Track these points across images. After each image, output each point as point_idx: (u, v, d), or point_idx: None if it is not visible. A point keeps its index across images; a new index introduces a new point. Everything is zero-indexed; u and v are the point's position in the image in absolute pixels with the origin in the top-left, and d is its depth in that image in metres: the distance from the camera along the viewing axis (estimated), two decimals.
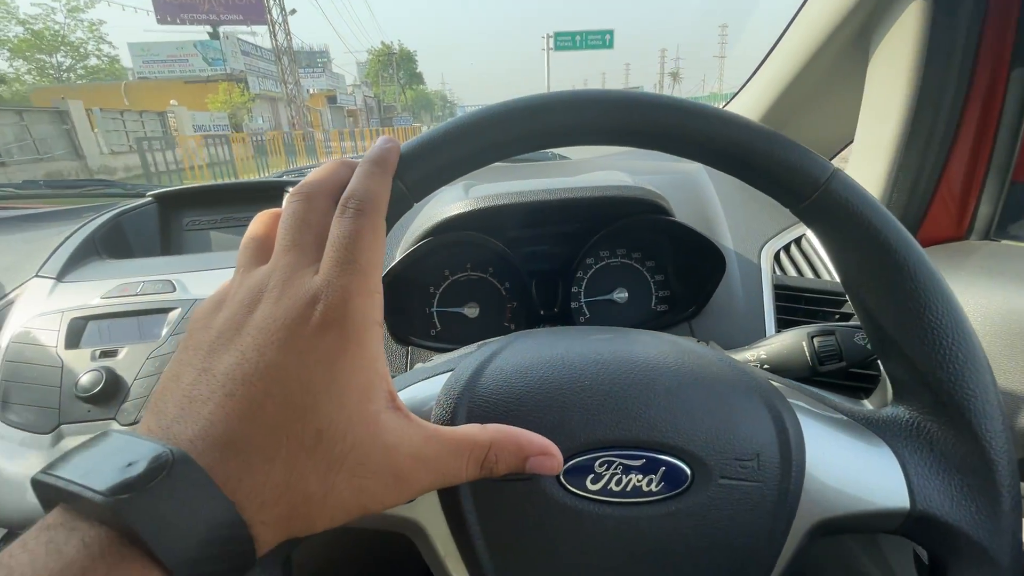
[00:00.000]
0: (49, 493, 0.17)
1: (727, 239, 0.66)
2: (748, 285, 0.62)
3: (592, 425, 0.26)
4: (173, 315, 0.59)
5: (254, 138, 14.15)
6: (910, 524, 0.26)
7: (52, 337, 0.57)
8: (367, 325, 0.21)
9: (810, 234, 0.65)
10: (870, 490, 0.26)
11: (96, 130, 12.91)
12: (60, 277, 0.64)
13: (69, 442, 0.53)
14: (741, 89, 0.80)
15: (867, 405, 0.31)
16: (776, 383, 0.30)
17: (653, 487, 0.25)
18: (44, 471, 0.17)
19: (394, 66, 50.93)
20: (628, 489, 0.25)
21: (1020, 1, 0.51)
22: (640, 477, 0.25)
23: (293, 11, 19.68)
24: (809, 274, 0.62)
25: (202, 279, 0.64)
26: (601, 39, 30.91)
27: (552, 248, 0.65)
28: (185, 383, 0.19)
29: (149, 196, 0.84)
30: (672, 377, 0.27)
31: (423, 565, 0.28)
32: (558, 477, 0.25)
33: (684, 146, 0.27)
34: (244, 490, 0.18)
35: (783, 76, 0.69)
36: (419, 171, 0.26)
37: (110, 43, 28.48)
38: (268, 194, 0.85)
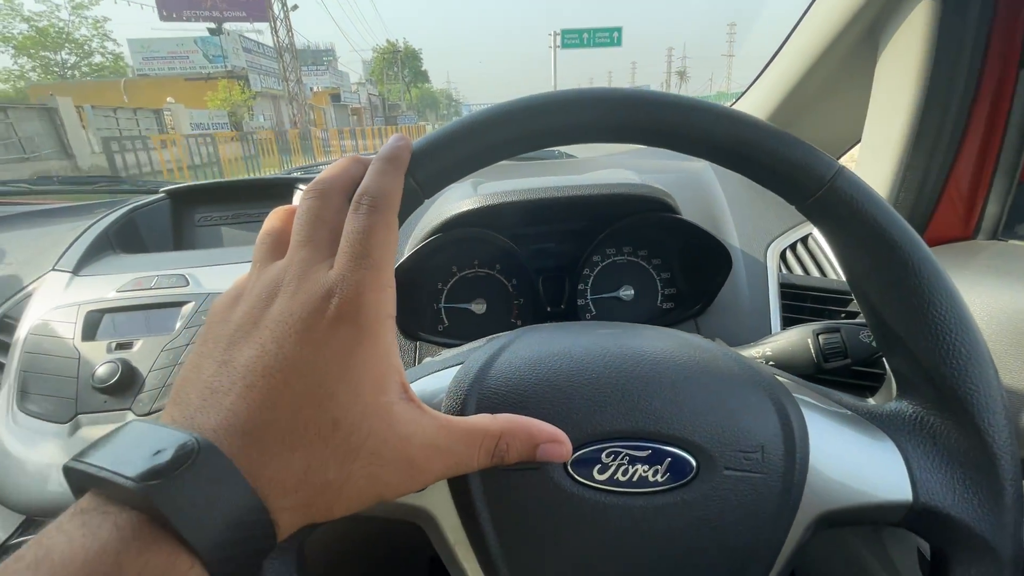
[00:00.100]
0: (80, 479, 0.17)
1: (733, 237, 0.66)
2: (754, 283, 0.62)
3: (599, 417, 0.26)
4: (187, 308, 0.60)
5: (245, 137, 13.80)
6: (912, 517, 0.26)
7: (69, 329, 0.58)
8: (380, 318, 0.21)
9: (817, 233, 0.65)
10: (873, 483, 0.27)
11: (87, 128, 12.34)
12: (76, 271, 0.65)
13: (86, 431, 0.54)
14: (749, 88, 0.80)
15: (871, 402, 0.32)
16: (781, 378, 0.30)
17: (659, 477, 0.26)
18: (75, 459, 0.17)
19: (399, 64, 50.87)
20: (634, 479, 0.26)
21: None
22: (646, 468, 0.26)
23: (295, 6, 19.39)
24: (815, 273, 0.62)
25: (215, 273, 0.65)
26: (609, 36, 30.28)
27: (559, 245, 0.66)
28: (206, 375, 0.20)
29: (162, 192, 0.85)
30: (678, 370, 0.28)
31: (432, 554, 0.29)
32: (566, 467, 0.26)
33: (690, 143, 0.28)
34: (265, 477, 0.18)
35: (791, 75, 0.69)
36: (430, 168, 0.26)
37: (114, 40, 28.29)
38: (279, 191, 0.86)
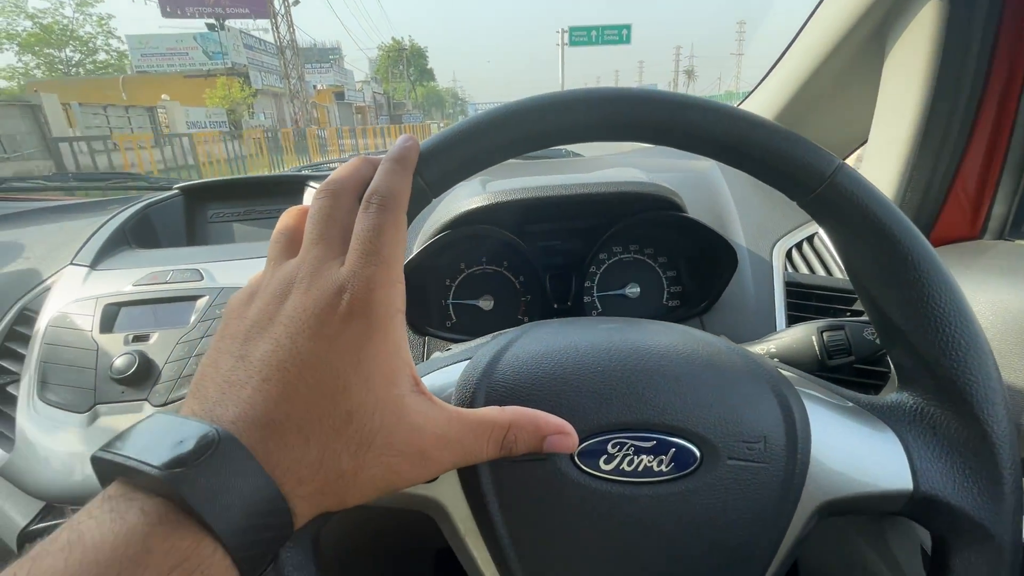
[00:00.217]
0: (108, 468, 0.18)
1: (739, 236, 0.66)
2: (759, 282, 0.62)
3: (605, 409, 0.27)
4: (201, 302, 0.61)
5: (231, 136, 13.05)
6: (913, 505, 0.27)
7: (87, 322, 0.60)
8: (390, 313, 0.22)
9: (822, 232, 0.65)
10: (874, 472, 0.27)
11: (75, 127, 11.82)
12: (93, 265, 0.67)
13: (104, 421, 0.56)
14: (756, 87, 0.81)
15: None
16: (783, 371, 0.31)
17: (663, 467, 0.26)
18: (103, 449, 0.18)
19: (404, 62, 50.73)
20: (640, 469, 0.26)
21: None
22: (651, 458, 0.26)
23: (296, 1, 19.07)
24: (821, 272, 0.62)
25: (228, 268, 0.66)
26: (618, 34, 29.82)
27: (566, 243, 0.66)
28: (224, 369, 0.21)
29: (176, 189, 0.86)
30: (682, 363, 0.28)
31: (438, 546, 0.29)
32: (573, 458, 0.26)
33: (694, 141, 0.28)
34: (282, 467, 0.19)
35: (798, 75, 0.69)
36: (438, 168, 0.27)
37: (119, 38, 27.79)
38: (290, 188, 0.87)
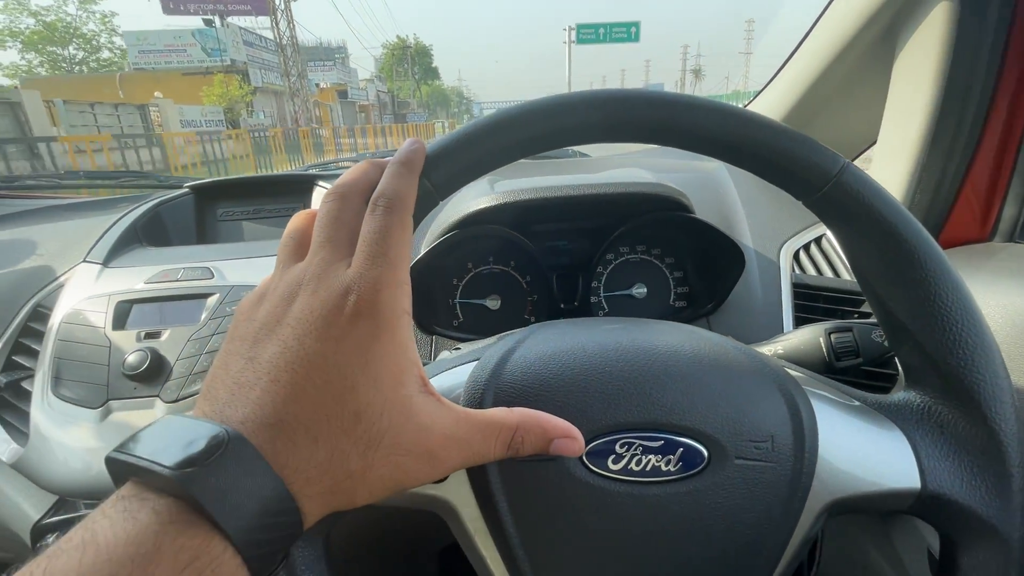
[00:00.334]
0: (122, 469, 0.19)
1: (747, 237, 0.66)
2: (767, 283, 0.62)
3: (612, 409, 0.27)
4: (212, 300, 0.62)
5: (210, 137, 11.75)
6: (921, 504, 0.27)
7: (100, 319, 0.61)
8: (397, 314, 0.22)
9: (830, 234, 0.65)
10: (882, 471, 0.27)
11: (59, 125, 11.23)
12: (106, 262, 0.68)
13: (117, 416, 0.56)
14: (764, 88, 0.80)
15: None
16: (790, 371, 0.31)
17: (671, 467, 0.26)
18: (117, 450, 0.19)
19: (409, 60, 50.58)
20: (647, 469, 0.26)
21: None
22: (659, 458, 0.26)
23: None
24: (829, 273, 0.62)
25: (238, 267, 0.66)
26: (626, 32, 29.07)
27: (573, 243, 0.66)
28: (234, 371, 0.21)
29: (186, 187, 0.87)
30: (689, 363, 0.28)
31: (441, 545, 0.29)
32: (581, 458, 0.26)
33: (700, 142, 0.28)
34: (291, 467, 0.19)
35: (807, 75, 0.69)
36: (444, 170, 0.27)
37: (122, 36, 27.34)
38: (298, 187, 0.88)
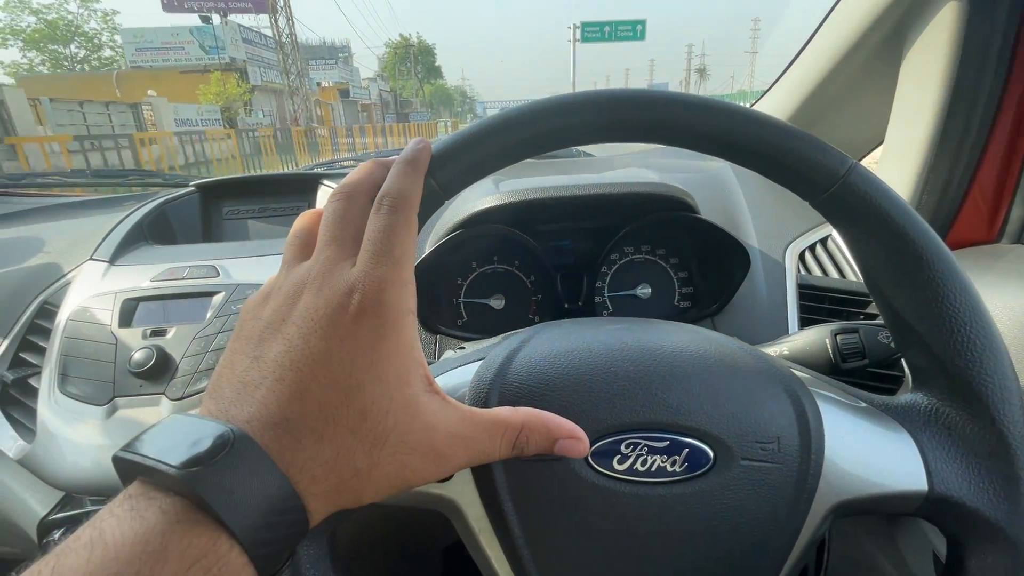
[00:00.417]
0: (129, 468, 0.19)
1: (752, 238, 0.66)
2: (772, 284, 0.62)
3: (618, 409, 0.27)
4: (217, 298, 0.62)
5: (184, 137, 10.99)
6: (928, 507, 0.27)
7: (106, 316, 0.61)
8: (401, 313, 0.22)
9: (836, 235, 0.65)
10: (889, 473, 0.27)
11: (45, 125, 10.72)
12: (112, 260, 0.68)
13: (122, 413, 0.57)
14: (771, 87, 0.80)
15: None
16: (797, 371, 0.31)
17: (677, 468, 0.26)
18: (124, 449, 0.19)
19: (412, 59, 50.37)
20: (653, 469, 0.26)
21: None
22: (664, 458, 0.26)
23: None
24: (834, 274, 0.62)
25: (243, 265, 0.66)
26: (632, 30, 28.65)
27: (578, 243, 0.66)
28: (239, 370, 0.21)
29: (192, 186, 0.87)
30: (695, 363, 0.28)
31: (445, 545, 0.29)
32: (587, 458, 0.26)
33: (705, 142, 0.28)
34: (297, 465, 0.19)
35: (813, 75, 0.69)
36: (450, 170, 0.27)
37: (119, 33, 26.79)
38: (303, 186, 0.88)
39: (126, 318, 0.61)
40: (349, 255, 0.23)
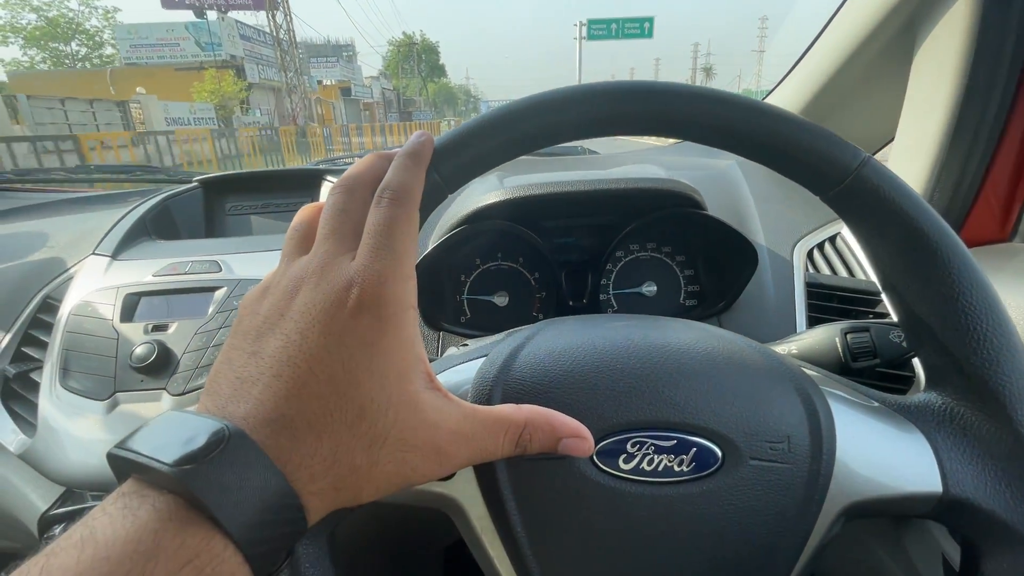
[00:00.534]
0: (123, 465, 0.18)
1: (759, 235, 0.65)
2: (780, 282, 0.61)
3: (624, 407, 0.26)
4: (219, 294, 0.62)
5: (143, 139, 10.31)
6: (942, 509, 0.26)
7: (108, 311, 0.61)
8: (402, 308, 0.21)
9: (845, 232, 0.64)
10: (902, 474, 0.26)
11: (22, 123, 10.35)
12: (115, 255, 0.68)
13: (124, 408, 0.57)
14: (780, 82, 0.79)
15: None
16: (807, 370, 0.30)
17: (684, 467, 0.26)
18: (118, 446, 0.18)
19: (415, 57, 50.18)
20: (660, 469, 0.26)
21: None
22: (671, 458, 0.26)
23: None
24: (843, 273, 0.61)
25: (246, 260, 0.66)
26: (639, 27, 27.88)
27: (583, 240, 0.66)
28: (237, 365, 0.21)
29: (195, 181, 0.87)
30: (702, 361, 0.28)
31: (447, 543, 0.29)
32: (592, 457, 0.26)
33: (712, 134, 0.28)
34: (294, 463, 0.19)
35: (823, 70, 0.68)
36: (453, 163, 0.27)
37: (113, 29, 26.10)
38: (307, 182, 0.88)
39: (128, 313, 0.61)
40: (349, 249, 0.23)
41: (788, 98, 0.76)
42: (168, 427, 0.19)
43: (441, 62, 57.65)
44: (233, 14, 21.49)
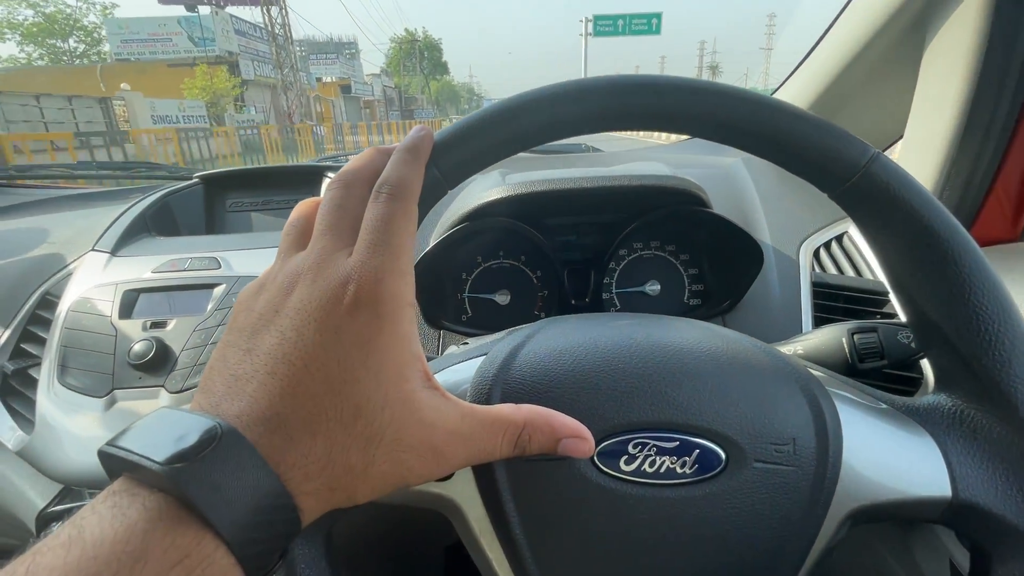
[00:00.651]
0: (114, 463, 0.18)
1: (765, 234, 0.64)
2: (785, 281, 0.60)
3: (625, 408, 0.26)
4: (218, 291, 0.62)
5: (102, 139, 9.76)
6: (951, 513, 0.26)
7: (107, 307, 0.61)
8: (399, 305, 0.21)
9: (852, 231, 0.63)
10: (910, 478, 0.26)
11: None
12: (114, 252, 0.68)
13: (121, 405, 0.56)
14: (788, 78, 0.78)
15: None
16: (814, 371, 0.30)
17: (687, 469, 0.25)
18: (109, 443, 0.18)
19: (417, 55, 49.86)
20: (662, 471, 0.25)
21: None
22: (674, 459, 0.25)
23: None
24: (850, 272, 0.60)
25: (245, 257, 0.66)
26: (647, 23, 27.40)
27: (586, 238, 0.65)
28: (231, 363, 0.21)
29: (196, 178, 0.87)
30: (706, 361, 0.27)
31: (448, 543, 0.29)
32: (592, 458, 0.25)
33: (720, 130, 0.27)
34: (288, 462, 0.19)
35: (831, 66, 0.67)
36: (453, 158, 0.26)
37: (103, 23, 25.78)
38: (308, 178, 0.87)
39: (126, 309, 0.61)
40: (346, 245, 0.22)
41: (796, 94, 0.75)
42: (160, 425, 0.19)
43: (444, 59, 57.46)
44: (230, 9, 20.99)
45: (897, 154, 0.65)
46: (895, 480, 0.26)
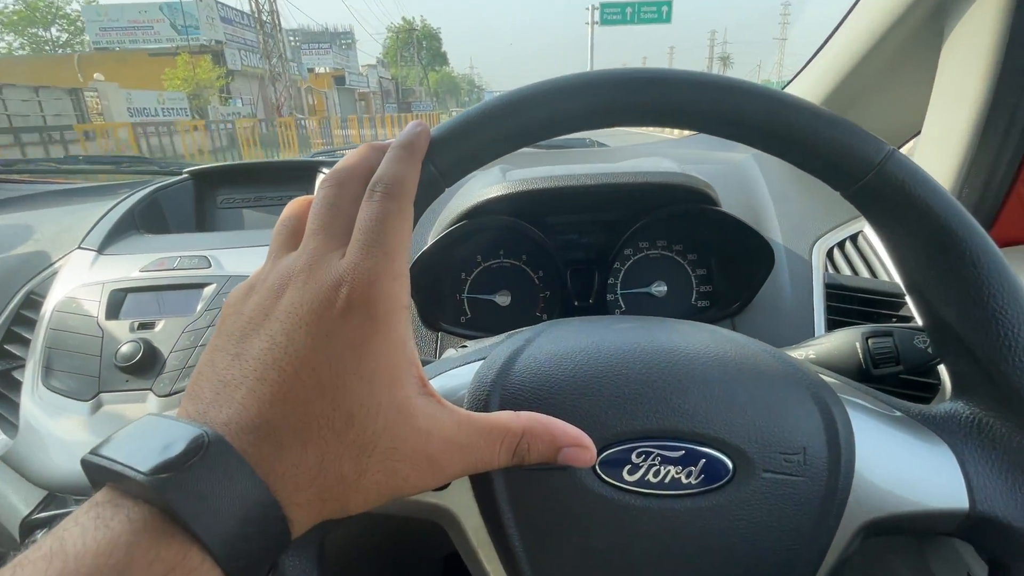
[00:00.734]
0: (97, 473, 0.17)
1: (776, 233, 0.63)
2: (797, 283, 0.59)
3: (629, 415, 0.25)
4: (208, 290, 0.60)
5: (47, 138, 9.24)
6: (969, 526, 0.25)
7: (93, 307, 0.59)
8: (394, 308, 0.21)
9: (867, 231, 0.62)
10: (925, 489, 0.25)
11: None
12: (101, 249, 0.66)
13: (108, 409, 0.55)
14: (800, 71, 0.76)
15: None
16: (825, 377, 0.29)
17: (692, 479, 0.25)
18: (92, 452, 0.18)
19: (415, 44, 49.35)
20: (666, 481, 0.25)
21: None
22: (679, 469, 0.25)
23: None
24: (865, 273, 0.59)
25: (236, 256, 0.64)
26: (657, 11, 26.47)
27: (590, 237, 0.64)
28: (219, 368, 0.20)
29: (185, 173, 0.85)
30: (713, 366, 0.26)
31: (446, 553, 0.28)
32: (594, 467, 0.25)
33: (725, 125, 0.26)
34: (277, 472, 0.18)
35: (846, 59, 0.65)
36: (451, 155, 0.26)
37: (80, 9, 25.19)
38: (301, 174, 0.86)
39: (113, 310, 0.59)
40: (339, 245, 0.22)
41: (808, 88, 0.73)
42: (145, 433, 0.18)
43: (443, 50, 56.97)
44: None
45: (914, 150, 0.63)
46: (910, 491, 0.25)
